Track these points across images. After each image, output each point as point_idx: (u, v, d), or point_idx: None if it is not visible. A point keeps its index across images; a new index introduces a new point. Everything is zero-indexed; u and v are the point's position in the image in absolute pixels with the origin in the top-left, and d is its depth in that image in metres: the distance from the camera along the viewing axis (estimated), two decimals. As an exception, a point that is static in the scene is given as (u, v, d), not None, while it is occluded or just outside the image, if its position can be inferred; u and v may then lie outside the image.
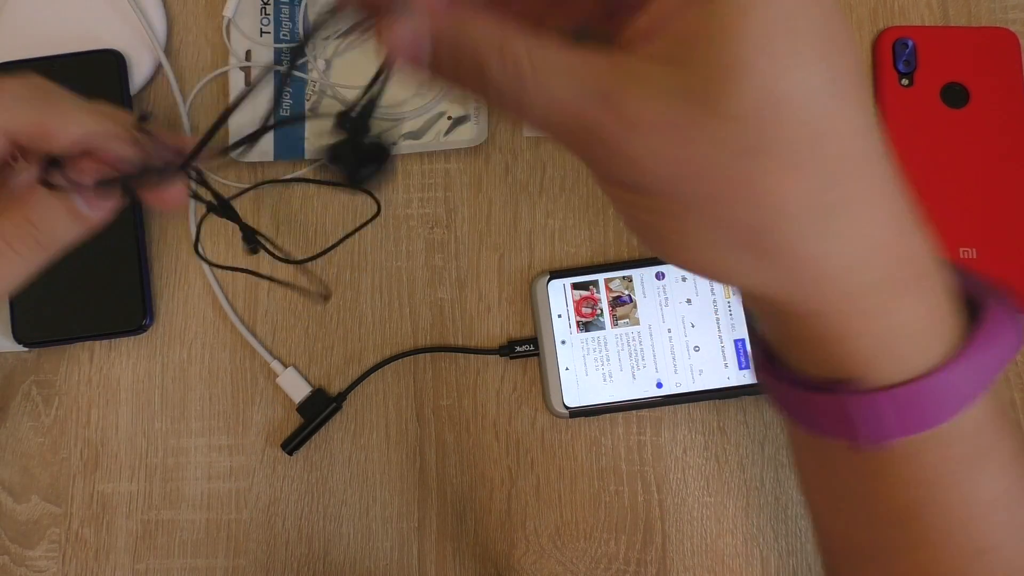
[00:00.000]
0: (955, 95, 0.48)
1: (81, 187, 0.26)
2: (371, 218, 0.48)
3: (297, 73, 0.50)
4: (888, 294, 0.21)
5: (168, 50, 0.51)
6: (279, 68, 0.50)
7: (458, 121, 0.49)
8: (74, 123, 0.27)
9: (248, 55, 0.50)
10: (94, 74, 0.49)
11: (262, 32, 0.51)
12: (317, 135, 0.49)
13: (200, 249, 0.49)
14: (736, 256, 0.21)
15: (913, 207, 0.23)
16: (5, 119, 0.26)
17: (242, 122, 0.49)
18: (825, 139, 0.19)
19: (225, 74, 0.50)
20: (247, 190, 0.49)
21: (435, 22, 0.21)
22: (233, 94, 0.50)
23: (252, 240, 0.36)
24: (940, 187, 0.47)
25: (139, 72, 0.50)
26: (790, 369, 0.24)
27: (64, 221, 0.27)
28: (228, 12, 0.50)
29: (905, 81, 0.48)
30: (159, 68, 0.51)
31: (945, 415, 0.22)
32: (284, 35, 0.50)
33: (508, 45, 0.20)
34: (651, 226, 0.22)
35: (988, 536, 0.23)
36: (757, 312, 0.25)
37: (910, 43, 0.48)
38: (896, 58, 0.48)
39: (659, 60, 0.19)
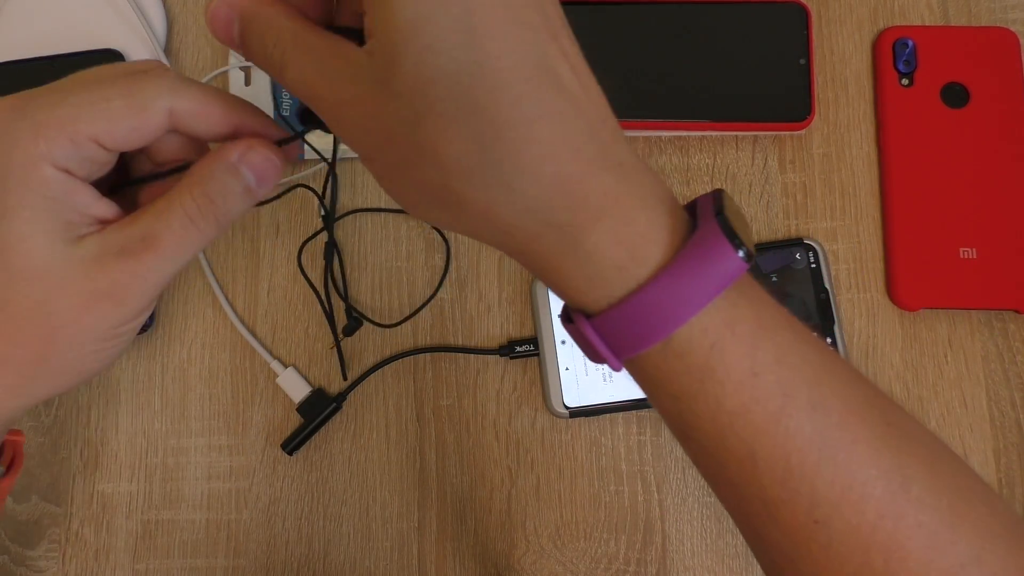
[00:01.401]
0: (955, 95, 0.48)
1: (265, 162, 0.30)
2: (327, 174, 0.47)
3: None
4: (570, 230, 0.24)
5: (168, 50, 0.51)
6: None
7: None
8: (228, 109, 0.30)
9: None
10: (94, 74, 0.49)
11: (262, 32, 0.50)
12: (317, 134, 0.49)
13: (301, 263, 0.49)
14: (435, 208, 0.26)
15: (610, 143, 0.25)
16: (173, 99, 0.29)
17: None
18: (474, 106, 0.23)
19: (225, 74, 0.50)
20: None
21: (241, 5, 0.27)
22: (232, 94, 0.50)
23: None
24: (940, 187, 0.47)
25: (139, 72, 0.50)
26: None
27: (239, 197, 0.29)
28: (228, 12, 0.50)
29: (905, 81, 0.48)
30: (159, 68, 0.51)
31: (659, 331, 0.24)
32: (284, 35, 0.50)
33: (279, 27, 0.26)
34: (380, 183, 0.27)
35: (747, 442, 0.25)
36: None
37: (910, 43, 0.48)
38: (896, 58, 0.48)
39: (367, 52, 0.24)
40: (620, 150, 0.25)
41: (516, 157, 0.23)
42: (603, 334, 0.25)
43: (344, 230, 0.49)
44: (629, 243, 0.24)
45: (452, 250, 0.48)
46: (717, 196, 0.26)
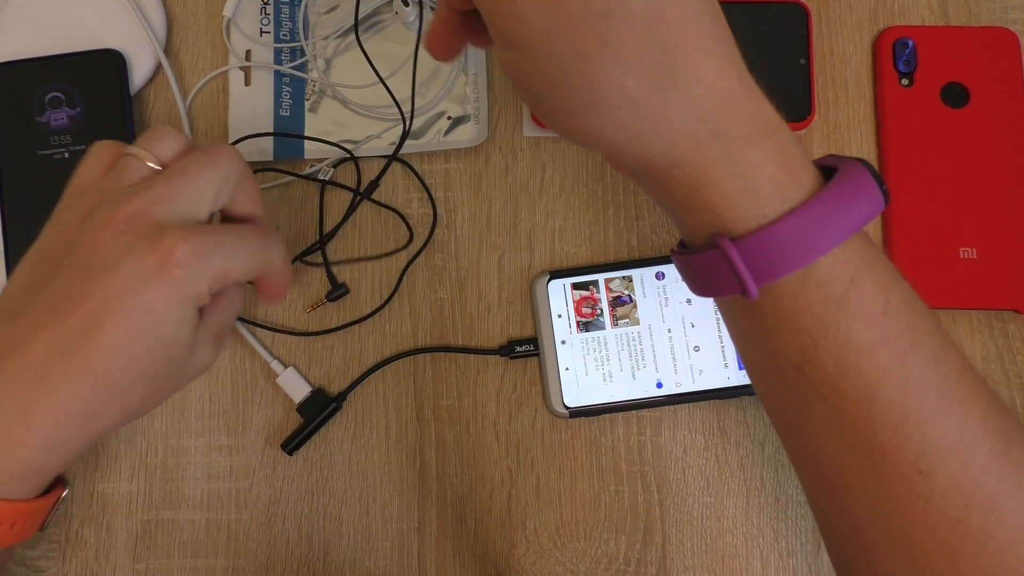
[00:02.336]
0: (955, 95, 0.48)
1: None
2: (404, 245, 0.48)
3: (297, 73, 0.50)
4: (736, 143, 0.25)
5: (168, 50, 0.51)
6: (278, 68, 0.50)
7: (458, 121, 0.49)
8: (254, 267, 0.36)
9: (248, 55, 0.50)
10: (94, 74, 0.49)
11: (262, 32, 0.51)
12: (317, 135, 0.49)
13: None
14: (597, 113, 0.26)
15: (754, 84, 0.27)
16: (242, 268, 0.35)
17: (242, 121, 0.49)
18: (661, 17, 0.25)
19: (225, 74, 0.50)
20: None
21: None
22: (233, 94, 0.50)
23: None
24: (940, 187, 0.47)
25: (139, 72, 0.50)
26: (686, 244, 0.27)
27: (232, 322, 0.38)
28: (228, 12, 0.50)
29: (905, 81, 0.48)
30: (159, 68, 0.51)
31: (808, 255, 0.24)
32: (284, 35, 0.50)
33: None
34: (535, 91, 0.27)
35: (870, 382, 0.25)
36: (641, 185, 0.29)
37: (910, 43, 0.48)
38: (896, 58, 0.48)
39: None
40: (759, 92, 0.27)
41: (696, 66, 0.25)
42: (748, 256, 0.25)
43: (343, 230, 0.49)
44: (789, 166, 0.25)
45: (453, 249, 0.48)
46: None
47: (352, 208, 0.48)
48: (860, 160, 0.25)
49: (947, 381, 0.25)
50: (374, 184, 0.48)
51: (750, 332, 0.27)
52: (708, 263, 0.26)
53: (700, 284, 0.27)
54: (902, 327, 0.25)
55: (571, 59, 0.25)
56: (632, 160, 0.27)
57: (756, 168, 0.25)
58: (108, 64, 0.49)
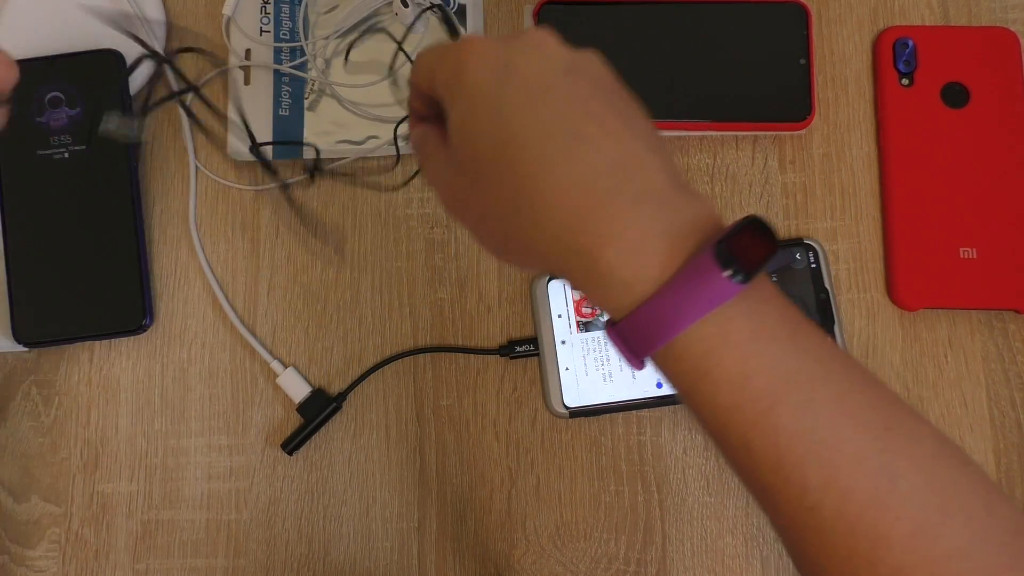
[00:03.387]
0: (955, 95, 0.48)
1: None
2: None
3: (296, 72, 0.50)
4: (591, 252, 0.29)
5: (168, 50, 0.51)
6: (278, 67, 0.50)
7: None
8: None
9: (248, 54, 0.50)
10: (94, 74, 0.49)
11: (262, 31, 0.51)
12: (316, 134, 0.49)
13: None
14: (507, 251, 0.33)
15: (628, 178, 0.29)
16: None
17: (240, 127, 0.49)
18: (505, 168, 0.30)
19: (224, 73, 0.50)
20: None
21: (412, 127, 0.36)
22: (232, 93, 0.50)
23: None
24: (940, 187, 0.47)
25: (139, 72, 0.50)
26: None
27: None
28: (227, 10, 0.50)
29: (905, 81, 0.48)
30: (159, 68, 0.51)
31: (662, 338, 0.28)
32: (284, 34, 0.50)
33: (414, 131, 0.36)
34: (474, 241, 0.35)
35: (742, 435, 0.28)
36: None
37: (910, 43, 0.48)
38: (896, 58, 0.48)
39: (447, 147, 0.33)
40: (641, 182, 0.29)
41: (538, 199, 0.29)
42: (622, 338, 0.30)
43: (343, 229, 0.49)
44: (635, 265, 0.28)
45: (453, 249, 0.48)
46: (741, 222, 0.29)
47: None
48: (720, 243, 0.28)
49: (817, 430, 0.27)
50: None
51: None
52: (612, 340, 0.31)
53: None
54: (762, 388, 0.28)
55: (476, 226, 0.33)
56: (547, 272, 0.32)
57: (606, 272, 0.29)
58: (108, 64, 0.49)
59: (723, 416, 0.28)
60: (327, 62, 0.50)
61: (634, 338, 0.29)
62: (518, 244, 0.31)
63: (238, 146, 0.49)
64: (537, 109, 0.30)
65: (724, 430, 0.29)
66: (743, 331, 0.28)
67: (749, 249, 0.28)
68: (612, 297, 0.29)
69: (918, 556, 0.26)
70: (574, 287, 0.32)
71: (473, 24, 0.50)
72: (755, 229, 0.29)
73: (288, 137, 0.49)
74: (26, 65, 0.49)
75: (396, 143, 0.48)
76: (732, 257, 0.27)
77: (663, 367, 0.30)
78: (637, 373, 0.45)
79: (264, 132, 0.49)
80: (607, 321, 0.30)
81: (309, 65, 0.50)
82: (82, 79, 0.49)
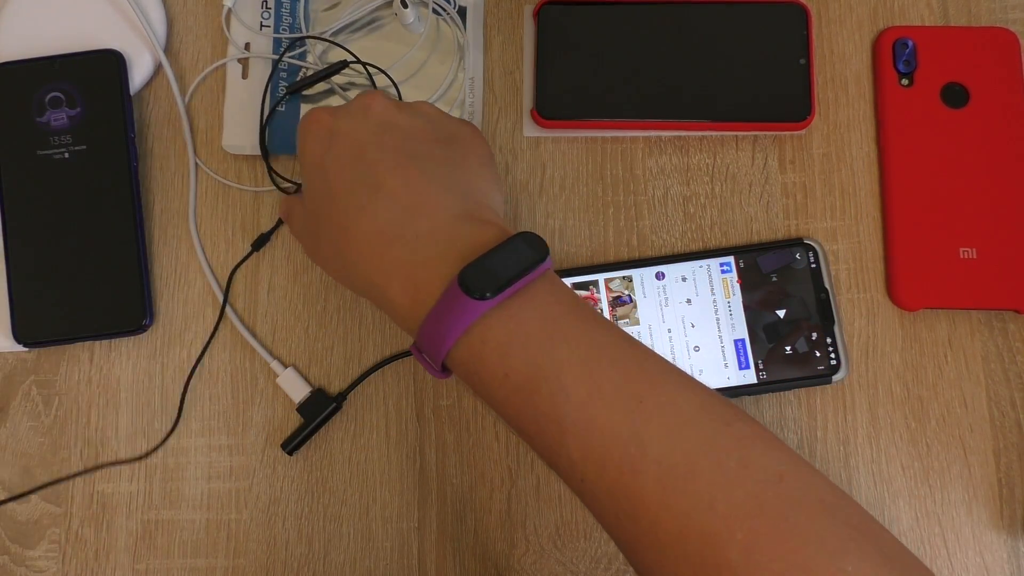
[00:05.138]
0: (955, 95, 0.48)
1: None
2: None
3: (294, 61, 0.50)
4: (382, 287, 0.36)
5: (168, 50, 0.51)
6: (276, 57, 0.50)
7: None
8: None
9: (247, 47, 0.50)
10: (94, 74, 0.49)
11: (262, 26, 0.51)
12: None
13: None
14: (338, 277, 0.41)
15: (411, 223, 0.36)
16: None
17: (238, 114, 0.49)
18: (328, 218, 0.38)
19: (223, 71, 0.50)
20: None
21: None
22: (230, 86, 0.50)
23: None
24: (940, 187, 0.47)
25: (139, 72, 0.50)
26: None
27: None
28: (228, 1, 0.50)
29: (905, 81, 0.48)
30: (159, 68, 0.51)
31: (440, 351, 0.34)
32: (283, 29, 0.50)
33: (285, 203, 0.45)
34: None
35: (514, 422, 0.34)
36: None
37: (910, 43, 0.48)
38: (896, 58, 0.48)
39: (301, 200, 0.42)
40: (423, 223, 0.35)
41: (349, 245, 0.37)
42: (419, 353, 0.36)
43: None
44: (411, 296, 0.35)
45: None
46: (503, 242, 0.34)
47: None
48: (464, 269, 0.33)
49: (571, 410, 0.32)
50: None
51: None
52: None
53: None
54: (521, 381, 0.33)
55: (319, 259, 0.42)
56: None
57: (393, 301, 0.35)
58: (108, 64, 0.49)
59: (502, 409, 0.34)
60: (324, 58, 0.50)
61: (426, 353, 0.35)
62: (347, 280, 0.39)
63: (233, 139, 0.49)
64: (351, 168, 0.37)
65: (509, 421, 0.34)
66: (499, 337, 0.33)
67: (498, 268, 0.33)
68: (402, 322, 0.36)
69: (668, 512, 0.30)
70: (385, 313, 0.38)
71: (474, 24, 0.50)
72: (511, 247, 0.34)
73: (284, 133, 0.49)
74: (26, 65, 0.49)
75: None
76: (476, 280, 0.32)
77: (457, 374, 0.35)
78: (637, 373, 0.45)
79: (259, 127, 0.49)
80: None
81: (309, 58, 0.50)
82: (82, 79, 0.49)
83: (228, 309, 0.48)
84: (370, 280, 0.36)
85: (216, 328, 0.48)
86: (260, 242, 0.49)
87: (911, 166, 0.47)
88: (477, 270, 0.33)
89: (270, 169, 0.47)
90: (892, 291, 0.47)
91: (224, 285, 0.48)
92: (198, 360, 0.48)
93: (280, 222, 0.49)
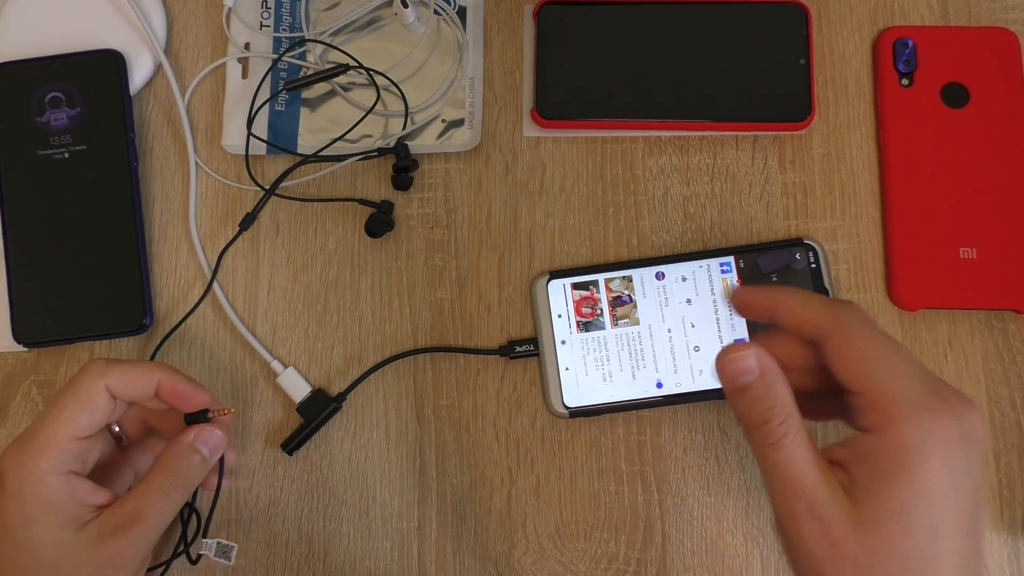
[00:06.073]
0: (955, 95, 0.48)
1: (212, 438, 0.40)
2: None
3: (294, 61, 0.50)
4: None
5: (168, 50, 0.51)
6: (275, 57, 0.50)
7: (452, 125, 0.49)
8: (147, 374, 0.40)
9: (247, 47, 0.50)
10: (94, 74, 0.49)
11: (262, 25, 0.51)
12: (311, 131, 0.49)
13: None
14: None
15: None
16: (105, 379, 0.38)
17: (237, 114, 0.49)
18: None
19: (223, 71, 0.50)
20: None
21: (764, 366, 0.33)
22: (230, 86, 0.50)
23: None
24: (941, 187, 0.47)
25: (139, 72, 0.50)
26: None
27: (198, 467, 0.40)
28: (229, 1, 0.50)
29: (905, 81, 0.48)
30: (159, 68, 0.51)
31: None
32: (283, 29, 0.51)
33: (788, 409, 0.32)
34: None
35: None
36: None
37: (910, 43, 0.48)
38: (896, 58, 0.48)
39: (846, 491, 0.31)
40: None
41: None
42: None
43: (344, 228, 0.49)
44: None
45: (453, 249, 0.48)
46: None
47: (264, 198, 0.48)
48: None
49: None
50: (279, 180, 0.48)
51: None
52: None
53: None
54: None
55: None
56: None
57: None
58: (108, 64, 0.49)
59: None
60: (323, 58, 0.50)
61: None
62: None
63: (233, 139, 0.49)
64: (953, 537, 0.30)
65: None
66: None
67: None
68: None
69: None
70: None
71: (474, 24, 0.50)
72: None
73: (283, 133, 0.49)
74: (26, 65, 0.49)
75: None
76: None
77: None
78: (637, 373, 0.45)
79: (259, 127, 0.49)
80: None
81: (308, 57, 0.50)
82: (82, 79, 0.49)
83: (228, 309, 0.48)
84: None
85: (199, 301, 0.48)
86: (246, 222, 0.48)
87: (911, 166, 0.47)
88: None
89: (249, 168, 0.47)
90: (892, 291, 0.47)
91: (222, 286, 0.48)
92: (174, 328, 0.48)
93: (264, 199, 0.48)
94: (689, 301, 0.46)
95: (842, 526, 0.30)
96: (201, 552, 0.43)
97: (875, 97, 0.49)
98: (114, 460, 0.43)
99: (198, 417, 0.41)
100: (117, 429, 0.43)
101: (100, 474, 0.42)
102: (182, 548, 0.44)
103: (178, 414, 0.41)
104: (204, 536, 0.43)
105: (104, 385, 0.38)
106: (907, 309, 0.46)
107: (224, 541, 0.43)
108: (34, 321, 0.47)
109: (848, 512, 0.30)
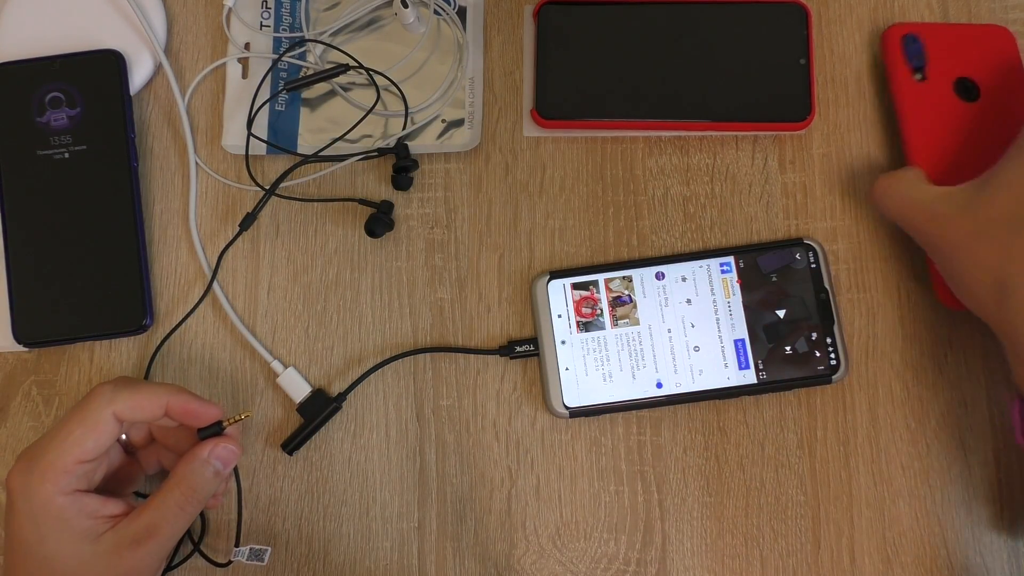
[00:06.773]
0: (967, 89, 0.47)
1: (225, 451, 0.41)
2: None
3: (294, 62, 0.50)
4: None
5: (168, 50, 0.51)
6: (275, 57, 0.50)
7: (452, 125, 0.49)
8: (155, 397, 0.40)
9: (247, 47, 0.50)
10: (94, 74, 0.49)
11: (262, 25, 0.51)
12: (311, 131, 0.49)
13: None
14: (976, 299, 0.39)
15: None
16: (113, 405, 0.39)
17: (237, 114, 0.49)
18: None
19: (223, 72, 0.50)
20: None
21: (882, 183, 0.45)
22: (230, 86, 0.50)
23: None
24: (963, 180, 0.46)
25: (139, 72, 0.50)
26: None
27: (212, 480, 0.41)
28: (229, 1, 0.50)
29: (919, 76, 0.48)
30: (159, 68, 0.51)
31: None
32: (283, 29, 0.50)
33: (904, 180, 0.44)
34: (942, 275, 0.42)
35: None
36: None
37: (918, 39, 0.48)
38: (907, 53, 0.48)
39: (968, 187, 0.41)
40: None
41: None
42: None
43: (344, 228, 0.49)
44: None
45: (453, 249, 0.48)
46: None
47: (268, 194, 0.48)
48: None
49: None
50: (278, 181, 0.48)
51: None
52: None
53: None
54: None
55: (954, 267, 0.41)
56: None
57: None
58: (108, 64, 0.49)
59: None
60: (323, 58, 0.50)
61: None
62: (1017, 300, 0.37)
63: (233, 139, 0.49)
64: None
65: None
66: None
67: None
68: None
69: None
70: None
71: (474, 24, 0.50)
72: None
73: (283, 133, 0.49)
74: (26, 65, 0.49)
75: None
76: None
77: None
78: (637, 373, 0.45)
79: (259, 127, 0.49)
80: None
81: (308, 57, 0.50)
82: (82, 79, 0.49)
83: (228, 309, 0.48)
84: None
85: (199, 301, 0.48)
86: (246, 222, 0.47)
87: (933, 159, 0.46)
88: None
89: (249, 168, 0.47)
90: (940, 291, 0.45)
91: (222, 286, 0.48)
92: (174, 329, 0.48)
93: (264, 199, 0.48)
94: (689, 301, 0.46)
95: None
96: (231, 559, 0.43)
97: (890, 91, 0.48)
98: (122, 465, 0.43)
99: (212, 429, 0.41)
100: (124, 438, 0.43)
101: (109, 479, 0.42)
102: (188, 552, 0.44)
103: (185, 428, 0.42)
104: (237, 545, 0.44)
105: (112, 412, 0.39)
106: (955, 308, 0.45)
107: (257, 546, 0.44)
108: (34, 321, 0.47)
109: None
